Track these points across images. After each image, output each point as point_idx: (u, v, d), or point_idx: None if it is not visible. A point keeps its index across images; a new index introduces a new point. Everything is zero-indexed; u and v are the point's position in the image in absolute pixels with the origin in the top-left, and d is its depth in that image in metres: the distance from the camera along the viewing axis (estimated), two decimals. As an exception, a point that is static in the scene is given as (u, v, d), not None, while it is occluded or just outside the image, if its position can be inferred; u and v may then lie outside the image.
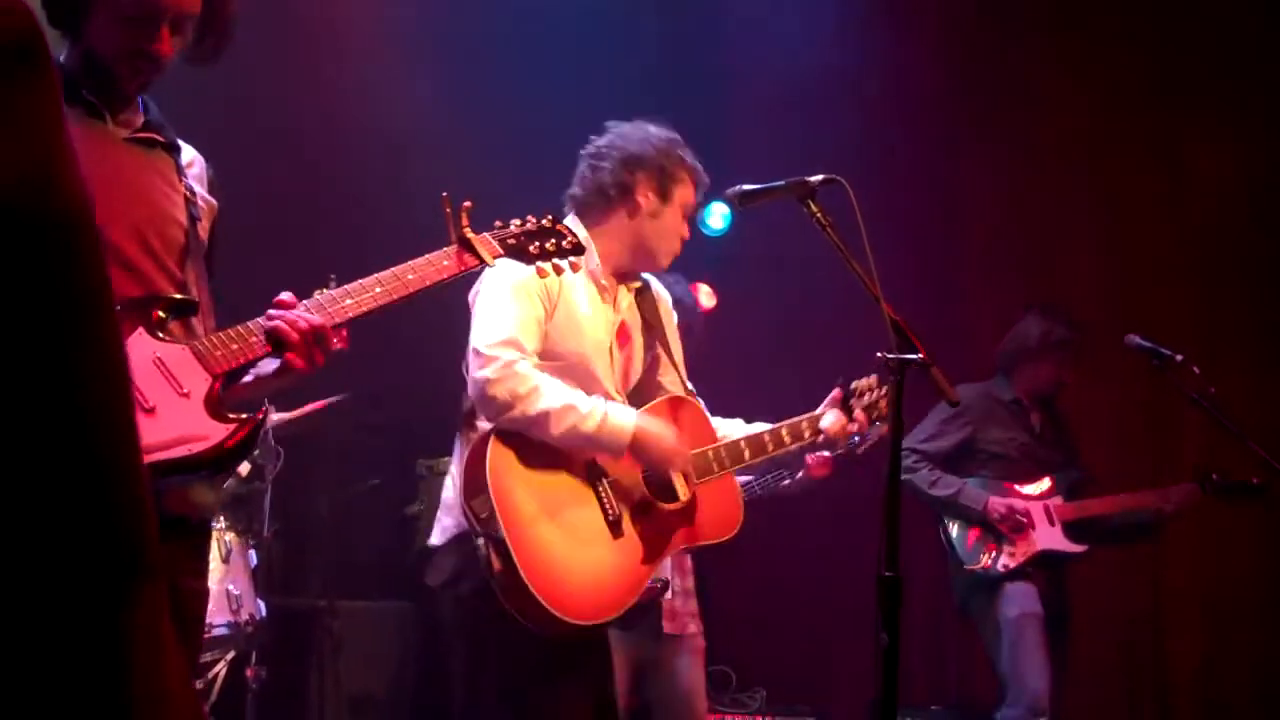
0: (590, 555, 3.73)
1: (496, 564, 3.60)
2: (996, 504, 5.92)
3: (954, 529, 6.07)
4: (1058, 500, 5.98)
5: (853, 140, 7.59)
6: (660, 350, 4.22)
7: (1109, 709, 7.11)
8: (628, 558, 3.80)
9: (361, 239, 6.33)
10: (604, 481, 3.83)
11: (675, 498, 3.91)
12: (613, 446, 3.77)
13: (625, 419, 3.77)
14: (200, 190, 3.06)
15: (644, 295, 4.21)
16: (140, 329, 2.74)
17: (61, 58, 2.90)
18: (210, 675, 5.46)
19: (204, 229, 3.03)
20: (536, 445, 3.73)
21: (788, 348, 7.73)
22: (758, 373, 7.15)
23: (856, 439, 4.81)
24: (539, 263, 3.45)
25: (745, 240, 7.55)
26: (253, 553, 5.61)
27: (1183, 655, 7.05)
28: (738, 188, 3.66)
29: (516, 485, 3.68)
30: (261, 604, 5.54)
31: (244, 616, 5.40)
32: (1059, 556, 5.93)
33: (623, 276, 4.15)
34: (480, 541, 3.64)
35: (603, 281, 4.07)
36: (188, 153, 3.08)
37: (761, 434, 4.15)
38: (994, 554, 5.96)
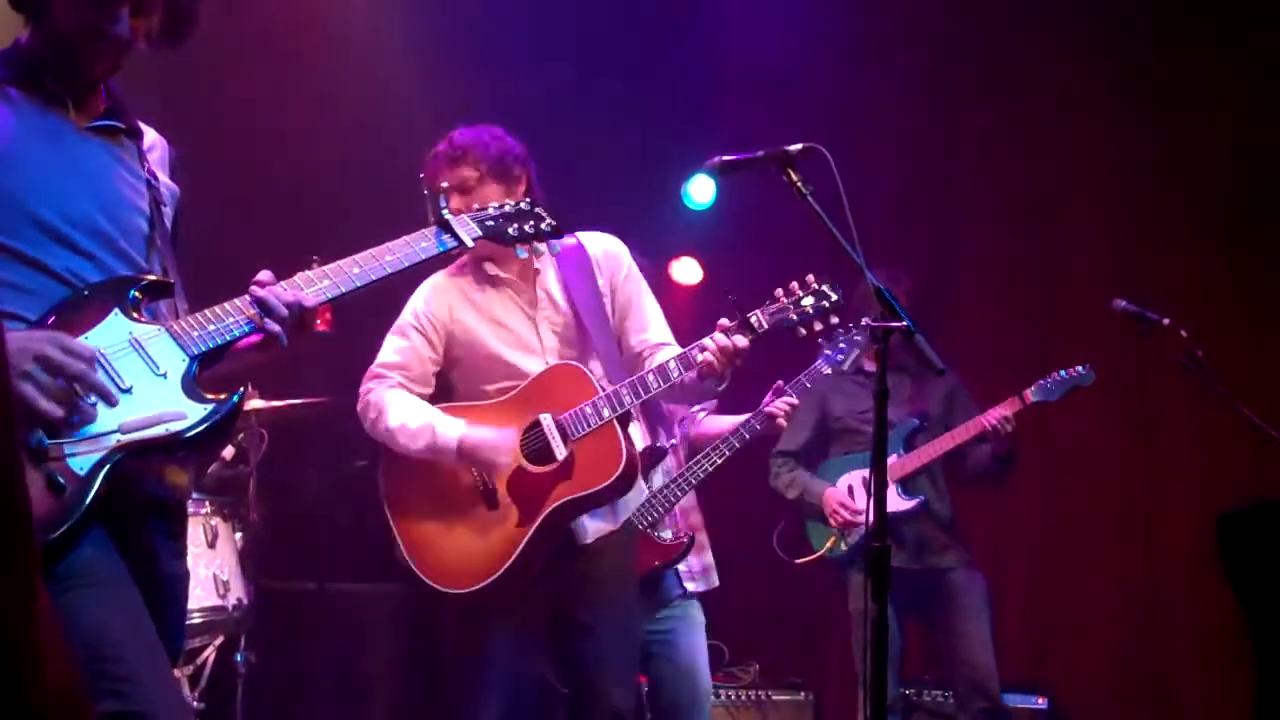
0: (464, 529, 4.26)
1: (395, 547, 4.34)
2: (830, 499, 5.93)
3: (809, 527, 6.10)
4: (891, 459, 5.88)
5: (842, 109, 7.59)
6: (592, 310, 4.41)
7: (1110, 686, 7.11)
8: (501, 524, 4.24)
9: (345, 223, 6.31)
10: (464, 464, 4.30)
11: (554, 458, 4.20)
12: (443, 458, 4.26)
13: (449, 435, 4.24)
14: (163, 175, 3.05)
15: (566, 262, 4.43)
16: (116, 310, 2.73)
17: (23, 40, 2.88)
18: (199, 660, 5.47)
19: (168, 215, 3.02)
20: None
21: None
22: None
23: (839, 355, 4.95)
24: (518, 244, 3.53)
25: (731, 214, 7.53)
26: (239, 536, 5.60)
27: (1185, 636, 7.04)
28: (718, 158, 3.66)
29: (402, 479, 4.36)
30: (249, 588, 5.53)
31: (232, 601, 5.39)
32: (895, 516, 5.80)
33: (514, 259, 4.33)
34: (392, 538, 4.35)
35: (491, 273, 4.41)
36: (149, 136, 3.06)
37: (646, 373, 4.26)
38: (837, 537, 5.96)
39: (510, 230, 3.48)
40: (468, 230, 3.30)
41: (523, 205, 3.55)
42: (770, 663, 6.94)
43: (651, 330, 4.50)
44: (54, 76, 2.84)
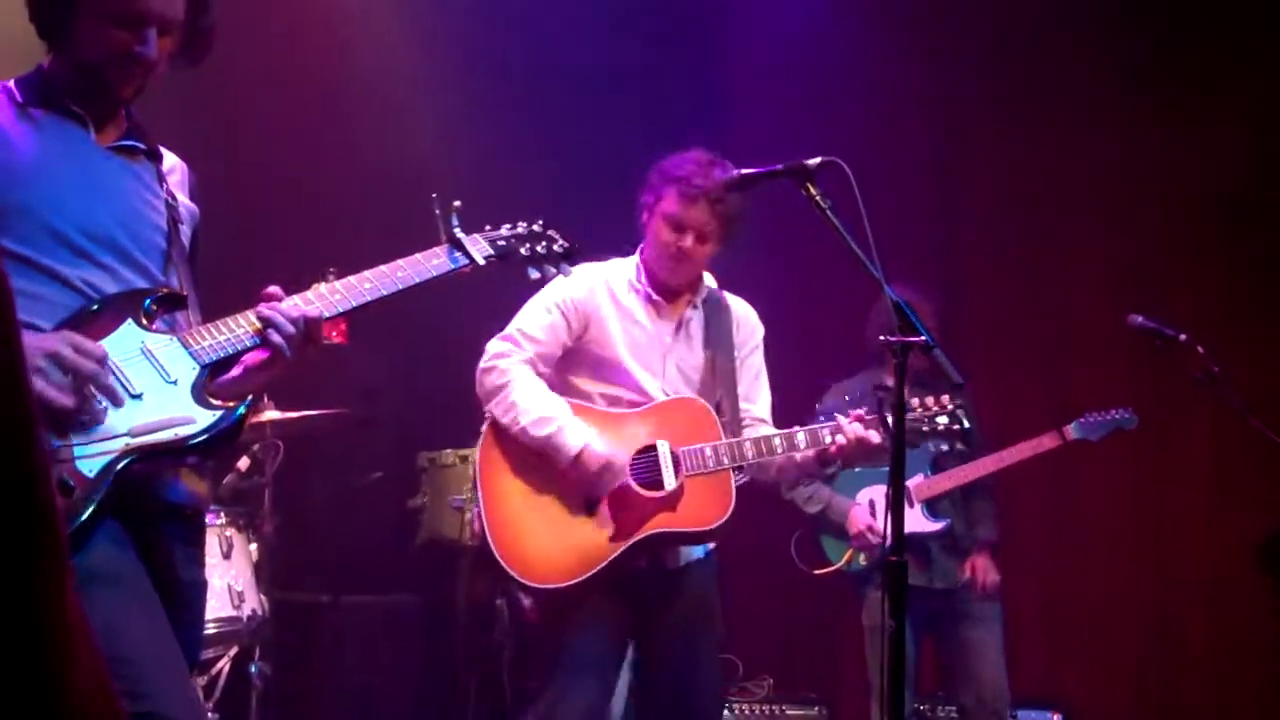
0: (556, 527, 4.21)
1: (476, 525, 4.42)
2: (857, 521, 5.89)
3: (823, 541, 6.07)
4: (918, 479, 5.93)
5: (854, 121, 7.59)
6: (719, 369, 4.47)
7: (1124, 701, 7.08)
8: (594, 534, 4.21)
9: (359, 238, 6.34)
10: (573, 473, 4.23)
11: (662, 486, 4.22)
12: (556, 458, 4.19)
13: (574, 441, 4.16)
14: (182, 196, 3.10)
15: (714, 312, 4.51)
16: (129, 319, 2.78)
17: (46, 66, 2.94)
18: (214, 671, 5.47)
19: (186, 234, 3.06)
20: None
21: (793, 334, 7.72)
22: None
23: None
24: (529, 265, 3.53)
25: (750, 228, 7.52)
26: (254, 548, 5.61)
27: (1199, 650, 7.02)
28: (736, 173, 3.66)
29: (501, 463, 4.28)
30: (264, 599, 5.54)
31: (246, 612, 5.41)
32: (920, 537, 5.85)
33: (677, 291, 4.45)
34: (475, 510, 4.39)
35: (651, 294, 4.43)
36: (169, 159, 3.11)
37: (772, 435, 4.35)
38: (853, 552, 5.95)
39: (522, 250, 3.49)
40: (480, 249, 3.33)
41: (535, 227, 3.56)
42: (784, 677, 6.93)
43: (759, 405, 4.58)
44: (76, 99, 2.89)
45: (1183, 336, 5.51)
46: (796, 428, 4.34)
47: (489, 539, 4.19)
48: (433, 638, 6.71)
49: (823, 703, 6.68)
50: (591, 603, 4.22)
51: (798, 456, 4.34)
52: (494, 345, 4.33)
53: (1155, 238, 7.30)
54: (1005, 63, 7.71)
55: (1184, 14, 7.30)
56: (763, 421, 4.54)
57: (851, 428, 4.24)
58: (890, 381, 5.61)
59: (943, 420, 4.32)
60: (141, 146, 3.01)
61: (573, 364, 4.40)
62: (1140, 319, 5.64)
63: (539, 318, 4.34)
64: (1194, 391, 5.68)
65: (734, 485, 4.30)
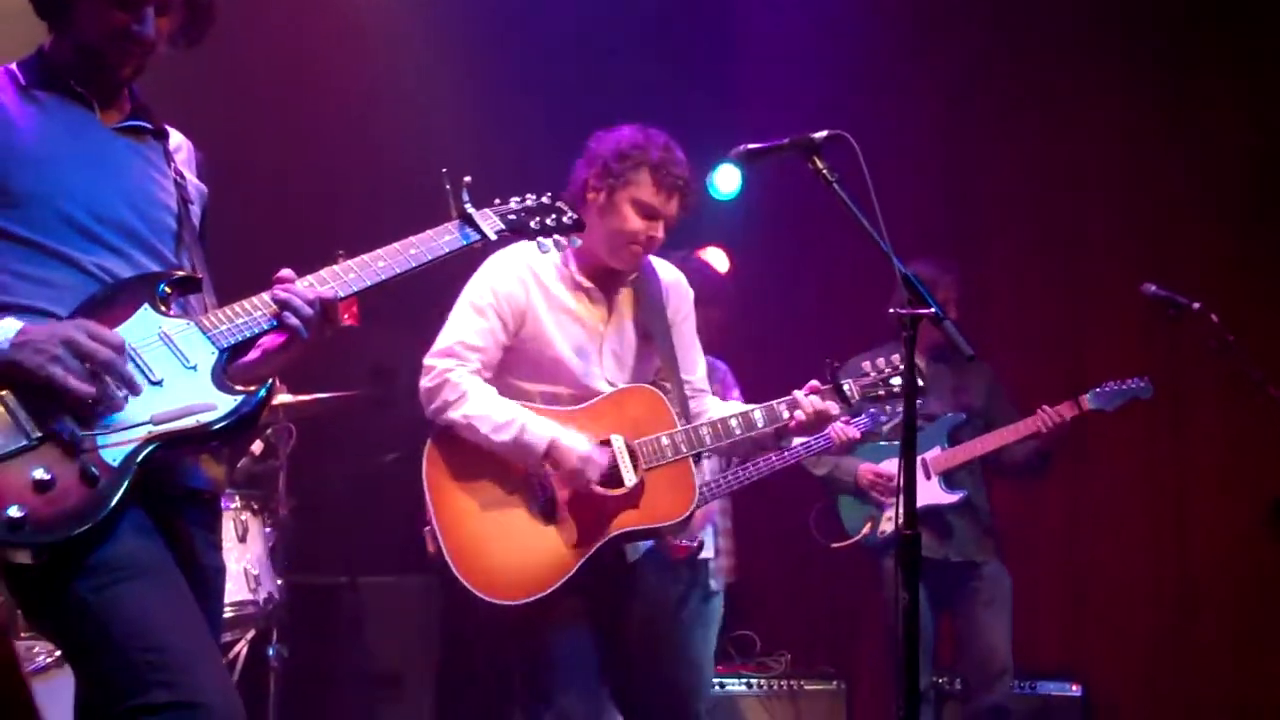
0: (517, 541, 4.02)
1: (431, 546, 4.03)
2: (865, 472, 5.91)
3: (840, 501, 6.09)
4: (935, 451, 5.94)
5: (868, 98, 7.56)
6: (657, 345, 4.33)
7: (1144, 672, 7.07)
8: (558, 542, 4.03)
9: (369, 216, 6.34)
10: (545, 469, 4.06)
11: (622, 483, 4.06)
12: (526, 458, 4.03)
13: (541, 434, 4.00)
14: (190, 175, 3.09)
15: (642, 287, 4.31)
16: (145, 304, 2.77)
17: (47, 47, 2.93)
18: (231, 655, 5.49)
19: (196, 214, 3.06)
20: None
21: (804, 310, 7.72)
22: (773, 336, 7.15)
23: (883, 418, 4.96)
24: (540, 238, 3.49)
25: (758, 202, 7.52)
26: (270, 531, 5.62)
27: (1218, 620, 7.00)
28: (742, 147, 3.64)
29: (451, 479, 4.07)
30: (280, 582, 5.56)
31: (263, 595, 5.42)
32: (937, 509, 5.87)
33: (610, 275, 4.25)
34: (426, 530, 4.05)
35: (582, 282, 4.22)
36: (175, 138, 3.10)
37: (729, 417, 4.22)
38: (874, 522, 5.96)
39: (533, 224, 3.46)
40: (490, 224, 3.30)
41: (544, 199, 3.54)
42: (802, 652, 6.93)
43: (698, 373, 4.46)
44: (78, 80, 2.88)
45: (1196, 305, 5.50)
46: (753, 406, 4.25)
47: (450, 564, 3.96)
48: (450, 618, 6.71)
49: (841, 677, 6.68)
50: (564, 608, 4.03)
51: (754, 434, 4.23)
52: (437, 362, 4.11)
53: (1170, 208, 7.27)
54: (1020, 39, 7.69)
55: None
56: (703, 391, 4.45)
57: (809, 401, 4.16)
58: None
59: (897, 381, 4.28)
60: (148, 126, 3.00)
61: (509, 364, 4.19)
62: (1154, 288, 5.63)
63: (474, 323, 4.13)
64: (1209, 361, 5.66)
65: (695, 474, 4.21)
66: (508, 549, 4.01)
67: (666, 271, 4.42)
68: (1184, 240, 7.16)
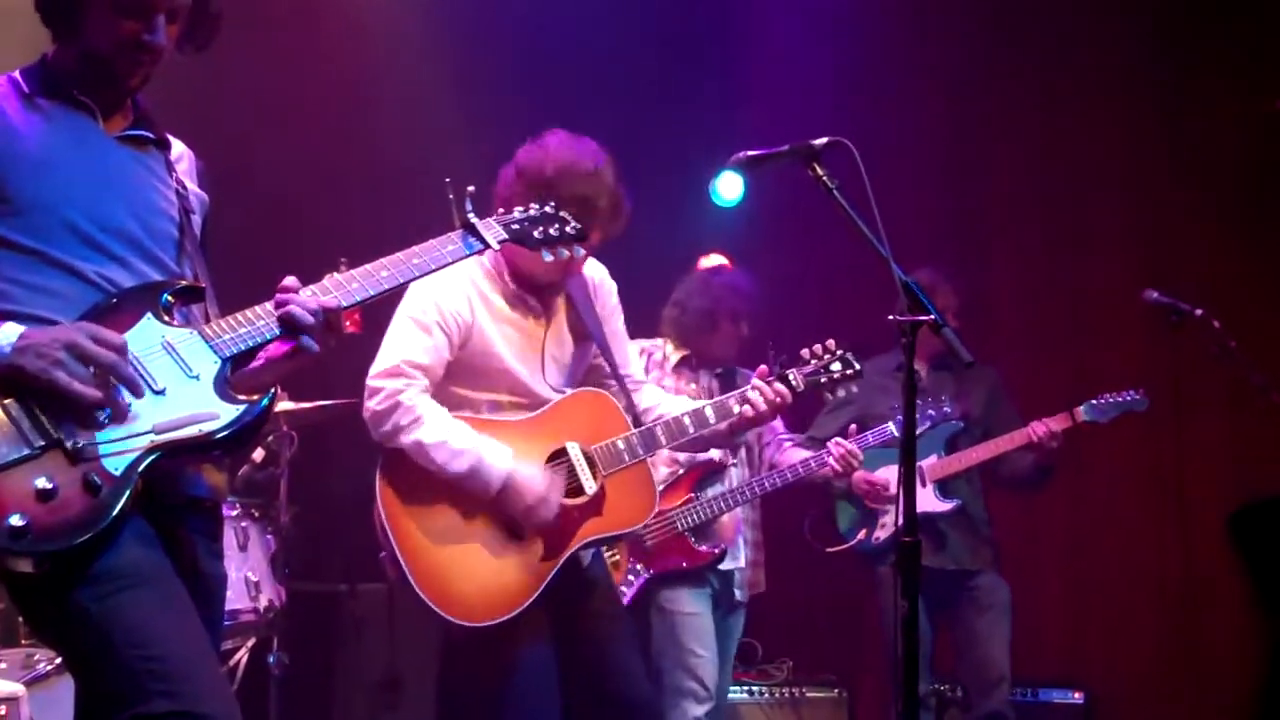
0: (483, 561, 3.95)
1: (392, 573, 3.95)
2: (859, 479, 5.89)
3: (838, 505, 6.11)
4: (930, 459, 5.93)
5: (872, 103, 7.57)
6: (594, 344, 4.31)
7: (1146, 679, 7.07)
8: (525, 557, 3.98)
9: (372, 224, 6.34)
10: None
11: (583, 492, 4.02)
12: (479, 490, 3.93)
13: (497, 467, 3.91)
14: (191, 185, 3.09)
15: (573, 292, 4.27)
16: (149, 313, 2.76)
17: (50, 56, 2.93)
18: (232, 662, 5.49)
19: (197, 223, 3.06)
20: None
21: (806, 316, 7.71)
22: (775, 343, 7.13)
23: (888, 434, 4.98)
24: (543, 248, 3.48)
25: (760, 209, 7.52)
26: (270, 538, 5.62)
27: (1221, 627, 6.99)
28: (744, 153, 3.64)
29: (409, 501, 3.98)
30: (281, 589, 5.55)
31: (264, 603, 5.42)
32: (931, 517, 5.86)
33: (546, 285, 4.20)
34: (382, 554, 4.00)
35: (518, 292, 4.17)
36: (177, 147, 3.10)
37: (681, 416, 4.20)
38: (869, 528, 5.96)
39: (535, 234, 3.46)
40: (494, 234, 3.30)
41: (547, 209, 3.54)
42: (804, 659, 6.92)
43: (634, 366, 4.46)
44: (82, 89, 2.88)
45: (1198, 311, 5.50)
46: (703, 402, 4.25)
47: (418, 591, 3.89)
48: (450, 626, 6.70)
49: (843, 684, 6.67)
50: (529, 624, 3.98)
51: (713, 431, 4.23)
52: (385, 383, 3.99)
53: (1172, 213, 7.27)
54: (1023, 43, 7.70)
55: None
56: (641, 382, 4.43)
57: (760, 387, 4.17)
58: (895, 364, 5.70)
59: (837, 367, 4.31)
60: (150, 135, 3.00)
61: (453, 374, 4.10)
62: (1155, 294, 5.63)
63: (419, 341, 4.01)
64: (1211, 367, 5.66)
65: (653, 474, 4.20)
66: (475, 571, 3.94)
67: (591, 268, 4.35)
68: (1186, 246, 7.15)
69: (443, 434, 3.93)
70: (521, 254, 3.92)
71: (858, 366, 4.33)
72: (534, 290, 4.19)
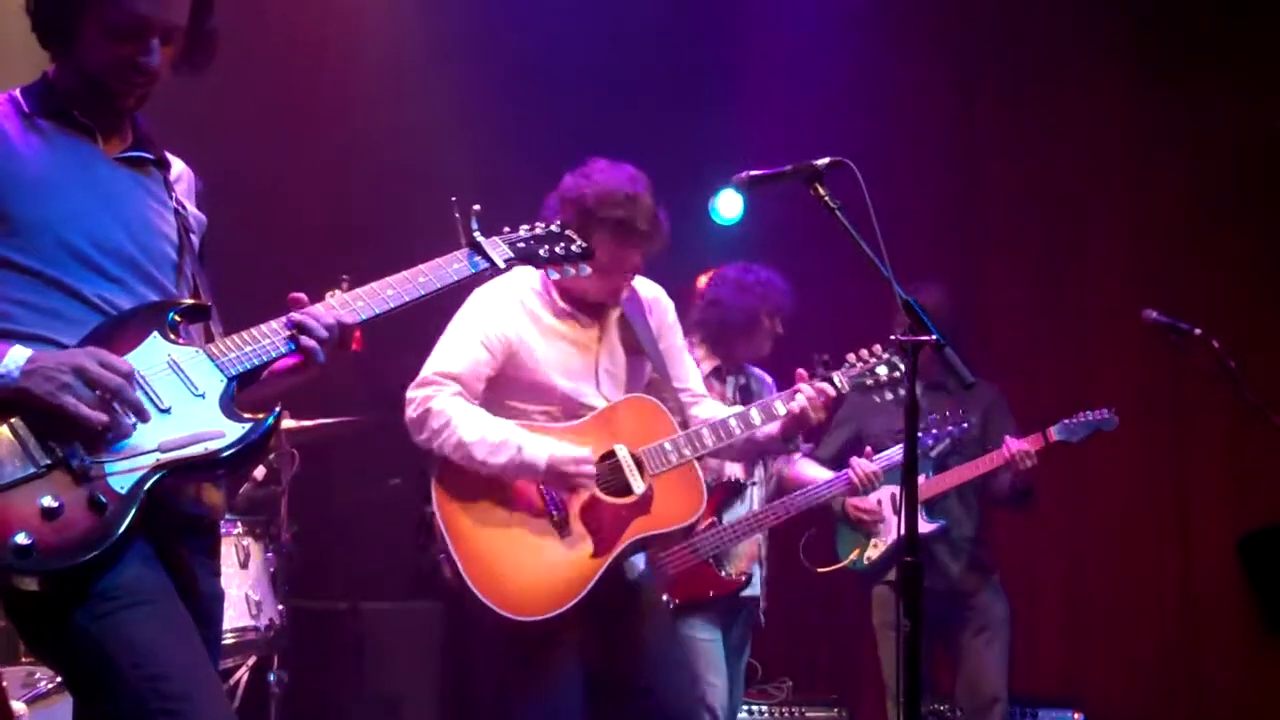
0: (535, 557, 4.05)
1: (448, 572, 4.05)
2: (850, 504, 5.91)
3: (839, 526, 6.10)
4: (920, 479, 5.88)
5: (874, 120, 7.58)
6: (649, 357, 4.40)
7: (1145, 700, 7.06)
8: (576, 554, 4.08)
9: (375, 243, 6.34)
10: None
11: (630, 492, 4.11)
12: (528, 476, 4.07)
13: (537, 453, 4.03)
14: (190, 205, 3.09)
15: (629, 306, 4.37)
16: (155, 332, 2.77)
17: (50, 75, 2.93)
18: (232, 680, 5.48)
19: (195, 242, 3.06)
20: None
21: (807, 333, 7.70)
22: (777, 360, 7.13)
23: (930, 441, 5.04)
24: (549, 266, 3.52)
25: (761, 226, 7.52)
26: (271, 556, 5.62)
27: (1220, 647, 6.99)
28: (745, 174, 3.65)
29: (462, 504, 4.10)
30: (281, 608, 5.55)
31: (264, 620, 5.42)
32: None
33: (596, 303, 4.29)
34: (440, 556, 4.08)
35: (566, 308, 4.28)
36: (176, 167, 3.10)
37: (727, 418, 4.29)
38: (861, 549, 5.96)
39: (541, 252, 3.48)
40: (500, 252, 3.31)
41: (553, 227, 3.57)
42: (804, 679, 6.91)
43: (693, 380, 4.54)
44: (82, 109, 2.88)
45: (1197, 331, 5.50)
46: (749, 405, 4.33)
47: (472, 588, 3.97)
48: (452, 644, 6.70)
49: (843, 704, 6.66)
50: (570, 635, 4.08)
51: (759, 435, 4.30)
52: (416, 392, 4.15)
53: (1172, 231, 7.29)
54: (1024, 61, 7.73)
55: (1199, 10, 7.28)
56: (703, 395, 4.52)
57: (804, 389, 4.23)
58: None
59: (883, 370, 4.37)
60: (149, 156, 3.00)
61: (505, 388, 4.22)
62: (1155, 314, 5.63)
63: (462, 353, 4.16)
64: (1211, 386, 5.67)
65: (701, 474, 4.27)
66: (527, 567, 4.03)
67: (646, 288, 4.47)
68: (1186, 265, 7.17)
69: (479, 430, 4.06)
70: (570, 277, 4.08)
71: (903, 368, 4.34)
72: (584, 307, 4.29)
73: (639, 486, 4.12)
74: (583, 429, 4.20)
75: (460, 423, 4.07)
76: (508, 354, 4.19)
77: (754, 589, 5.51)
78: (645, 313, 4.42)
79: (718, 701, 5.30)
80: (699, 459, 4.25)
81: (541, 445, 4.06)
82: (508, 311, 4.22)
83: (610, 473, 4.14)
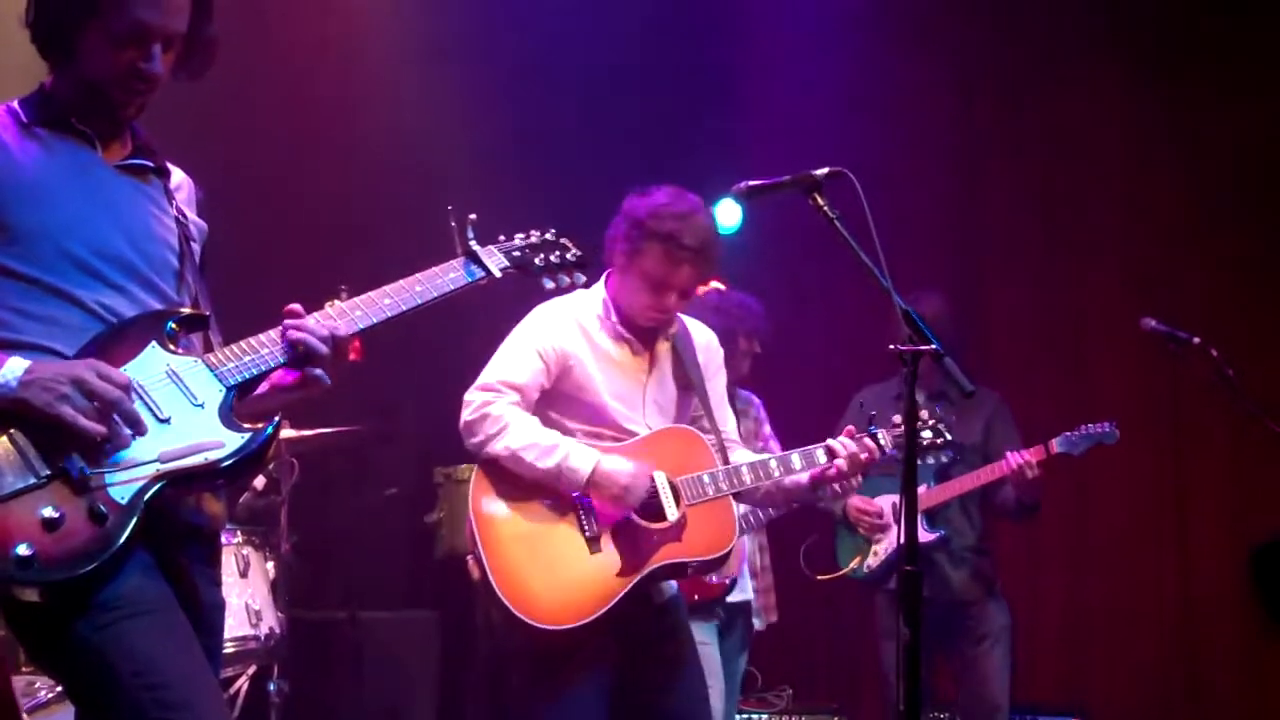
0: (562, 568, 4.06)
1: (476, 573, 4.09)
2: (852, 506, 5.92)
3: (839, 532, 6.11)
4: (921, 489, 5.89)
5: (875, 127, 7.60)
6: (696, 395, 4.43)
7: (1146, 707, 7.06)
8: (602, 571, 4.08)
9: (372, 252, 6.36)
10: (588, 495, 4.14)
11: (664, 518, 4.12)
12: (570, 484, 4.07)
13: (584, 462, 4.06)
14: (190, 212, 3.09)
15: (682, 344, 4.42)
16: (153, 342, 2.77)
17: (49, 85, 2.92)
18: (232, 690, 5.48)
19: (197, 251, 3.06)
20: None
21: (806, 344, 7.72)
22: (776, 370, 7.15)
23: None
24: (545, 275, 3.52)
25: (759, 236, 7.53)
26: (271, 566, 5.62)
27: (1221, 655, 6.99)
28: (744, 184, 3.65)
29: (497, 508, 4.13)
30: (281, 617, 5.55)
31: (264, 630, 5.41)
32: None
33: (647, 328, 4.33)
34: (469, 557, 4.13)
35: (623, 333, 4.30)
36: (176, 175, 3.10)
37: (768, 460, 4.30)
38: (862, 556, 5.98)
39: (537, 261, 3.48)
40: (496, 261, 3.32)
41: (549, 236, 3.56)
42: (804, 687, 6.92)
43: (730, 426, 4.55)
44: (81, 117, 2.88)
45: (1196, 340, 5.51)
46: (791, 450, 4.31)
47: (495, 588, 4.00)
48: (450, 653, 6.70)
49: (843, 712, 6.67)
50: (592, 648, 4.08)
51: (787, 481, 4.29)
52: (476, 395, 4.18)
53: (1172, 240, 7.30)
54: (1024, 68, 7.75)
55: (1198, 13, 7.30)
56: (736, 442, 4.53)
57: (845, 442, 4.22)
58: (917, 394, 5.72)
59: (927, 434, 4.36)
60: (149, 164, 3.00)
61: (552, 404, 4.26)
62: (1154, 323, 5.64)
63: (522, 364, 4.21)
64: (1210, 394, 5.67)
65: (735, 510, 4.28)
66: (553, 576, 4.05)
67: (700, 333, 4.53)
68: (1184, 273, 7.18)
69: (531, 437, 4.10)
70: (623, 294, 4.23)
71: (949, 437, 4.38)
72: (637, 333, 4.32)
73: (673, 513, 4.12)
74: (626, 450, 4.21)
75: (514, 428, 4.10)
76: (562, 369, 4.23)
77: (744, 594, 5.52)
78: (697, 351, 4.46)
79: (714, 704, 5.30)
80: (735, 495, 4.26)
81: (588, 456, 4.09)
82: (565, 328, 4.26)
83: (647, 497, 4.14)
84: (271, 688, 5.55)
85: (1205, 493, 7.10)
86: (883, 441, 4.30)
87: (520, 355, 4.22)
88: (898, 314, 3.32)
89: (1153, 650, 7.14)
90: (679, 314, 4.42)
